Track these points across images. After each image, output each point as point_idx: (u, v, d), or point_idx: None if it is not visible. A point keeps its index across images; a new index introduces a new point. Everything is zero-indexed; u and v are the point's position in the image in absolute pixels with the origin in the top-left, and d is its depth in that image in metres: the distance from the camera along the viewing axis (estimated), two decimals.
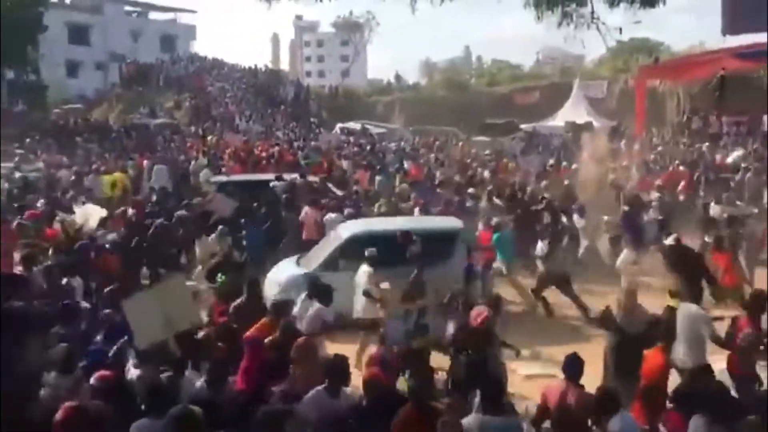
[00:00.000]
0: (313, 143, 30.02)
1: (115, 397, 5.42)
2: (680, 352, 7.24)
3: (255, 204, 14.37)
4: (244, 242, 12.81)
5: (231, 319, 7.65)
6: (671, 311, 7.68)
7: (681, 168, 19.75)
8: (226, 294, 8.53)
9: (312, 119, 41.96)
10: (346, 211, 13.82)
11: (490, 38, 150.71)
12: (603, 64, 45.13)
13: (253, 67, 52.77)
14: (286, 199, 14.88)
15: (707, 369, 6.34)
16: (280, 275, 11.00)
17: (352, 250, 10.52)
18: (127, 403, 5.50)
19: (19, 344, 5.62)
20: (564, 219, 13.58)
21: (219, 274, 9.34)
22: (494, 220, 12.80)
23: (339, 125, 37.59)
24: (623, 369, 7.16)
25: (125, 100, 41.14)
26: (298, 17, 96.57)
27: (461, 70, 70.28)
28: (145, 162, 21.35)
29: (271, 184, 15.74)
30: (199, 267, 11.34)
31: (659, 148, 25.60)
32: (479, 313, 7.31)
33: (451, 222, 12.21)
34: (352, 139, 31.81)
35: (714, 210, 14.22)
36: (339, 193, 16.52)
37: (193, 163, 21.92)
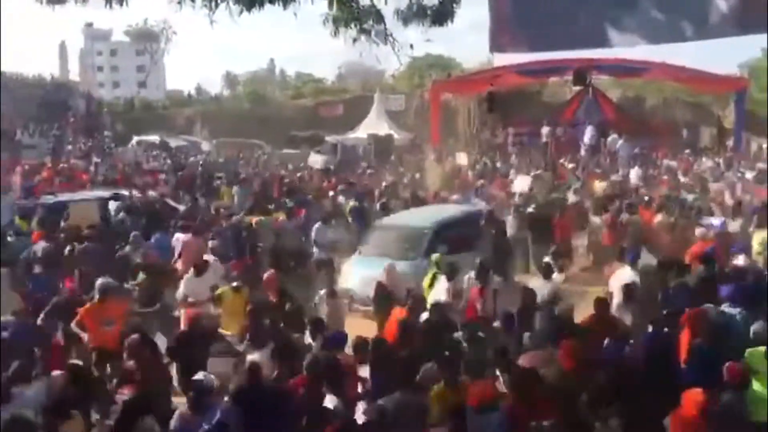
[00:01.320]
0: (108, 159, 28.27)
1: None
2: None
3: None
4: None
5: None
6: None
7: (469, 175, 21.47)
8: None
9: (106, 133, 39.51)
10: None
11: (293, 52, 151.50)
12: (401, 79, 47.14)
13: (37, 77, 48.72)
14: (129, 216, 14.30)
15: None
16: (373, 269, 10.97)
17: (441, 239, 12.04)
18: None
19: None
20: None
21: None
22: None
23: (136, 139, 35.78)
24: None
25: None
26: (89, 25, 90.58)
27: (265, 83, 69.83)
28: None
29: (111, 204, 15.20)
30: None
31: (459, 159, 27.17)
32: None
33: (472, 208, 14.94)
34: (154, 153, 30.42)
35: None
36: (179, 207, 16.06)
37: None
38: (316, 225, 13.73)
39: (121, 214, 14.74)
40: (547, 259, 10.80)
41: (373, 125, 35.19)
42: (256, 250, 13.19)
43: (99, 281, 9.10)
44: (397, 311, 8.62)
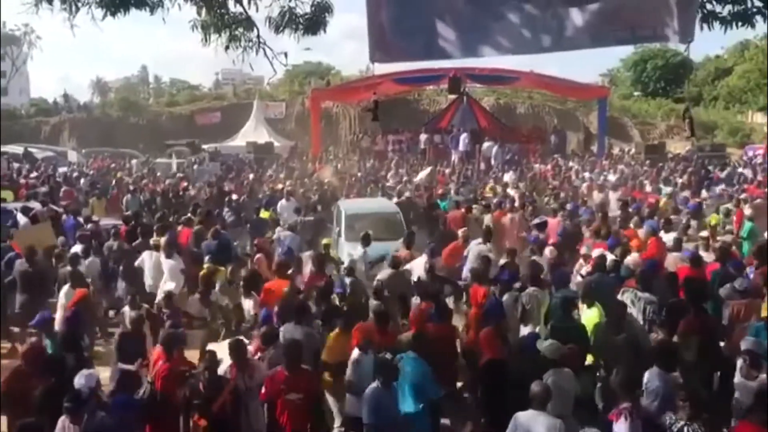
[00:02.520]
0: None
1: None
2: None
3: None
4: None
5: None
6: None
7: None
8: None
9: None
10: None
11: (167, 58, 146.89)
12: (280, 87, 46.81)
13: None
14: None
15: None
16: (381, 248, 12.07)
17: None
18: None
19: None
20: None
21: None
22: None
23: None
24: None
25: None
26: None
27: (138, 90, 67.28)
28: None
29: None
30: None
31: (337, 165, 27.28)
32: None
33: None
34: (17, 164, 28.44)
35: None
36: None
37: None
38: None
39: None
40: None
41: (253, 133, 34.69)
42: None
43: None
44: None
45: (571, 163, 25.86)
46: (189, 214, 14.58)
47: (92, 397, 6.22)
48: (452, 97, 31.16)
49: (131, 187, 19.87)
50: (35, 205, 15.68)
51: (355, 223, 13.95)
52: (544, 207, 16.24)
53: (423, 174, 22.28)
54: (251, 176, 23.41)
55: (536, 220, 13.84)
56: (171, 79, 75.10)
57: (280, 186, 19.61)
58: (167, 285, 10.70)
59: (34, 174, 24.83)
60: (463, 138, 28.30)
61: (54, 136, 41.40)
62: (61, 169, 27.50)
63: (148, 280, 11.38)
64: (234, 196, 18.32)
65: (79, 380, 6.27)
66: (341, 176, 22.88)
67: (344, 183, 21.12)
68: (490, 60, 24.43)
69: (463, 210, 15.10)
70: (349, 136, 36.00)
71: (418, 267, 10.75)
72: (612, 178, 21.55)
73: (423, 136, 29.84)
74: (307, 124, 33.98)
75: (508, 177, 22.27)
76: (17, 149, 32.49)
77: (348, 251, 12.81)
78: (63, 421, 6.05)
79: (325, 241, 12.64)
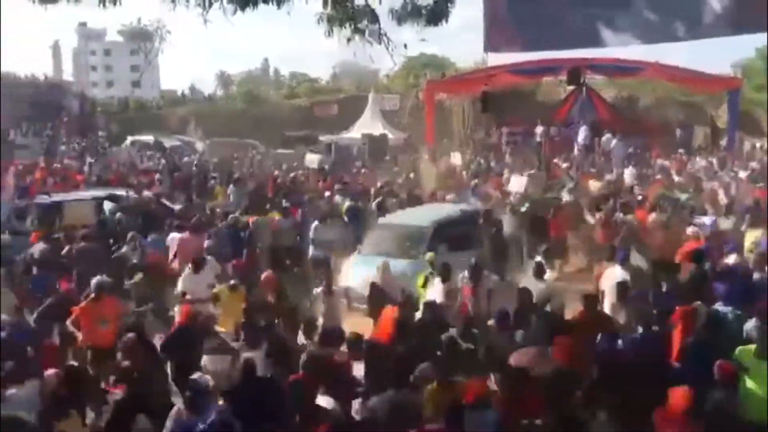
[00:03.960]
0: (103, 158, 28.23)
1: None
2: None
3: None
4: None
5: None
6: None
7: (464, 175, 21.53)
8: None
9: (100, 133, 39.41)
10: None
11: (288, 52, 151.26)
12: (395, 79, 47.12)
13: (30, 76, 48.51)
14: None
15: None
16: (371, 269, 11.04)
17: (441, 237, 12.16)
18: None
19: None
20: None
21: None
22: None
23: (130, 139, 35.71)
24: None
25: None
26: (82, 24, 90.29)
27: (260, 83, 69.77)
28: None
29: (105, 204, 15.26)
30: None
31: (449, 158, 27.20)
32: None
33: (470, 207, 14.72)
34: (148, 153, 30.37)
35: None
36: (174, 207, 16.03)
37: None
38: (314, 224, 13.79)
39: (118, 214, 14.71)
40: (538, 258, 10.78)
41: (368, 125, 35.17)
42: (254, 249, 13.12)
43: (94, 280, 9.11)
44: (389, 310, 8.60)
45: (697, 159, 24.57)
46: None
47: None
48: (570, 88, 30.31)
49: (235, 177, 20.60)
50: (120, 194, 16.48)
51: (372, 236, 13.07)
52: (699, 205, 14.86)
53: (520, 180, 19.45)
54: (363, 169, 23.70)
55: (704, 220, 12.51)
56: (291, 72, 77.28)
57: (379, 184, 19.37)
58: None
59: (163, 162, 26.42)
60: (583, 131, 27.51)
61: (181, 127, 43.69)
62: (187, 158, 29.10)
63: None
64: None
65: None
66: (451, 169, 22.78)
67: (448, 178, 20.75)
68: (611, 49, 23.64)
69: (570, 211, 14.29)
70: (463, 129, 35.76)
71: None
72: (743, 174, 20.27)
73: (539, 129, 29.21)
74: (421, 116, 34.03)
75: (628, 173, 21.45)
76: (148, 138, 34.69)
77: (345, 267, 12.05)
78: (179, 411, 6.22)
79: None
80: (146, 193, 17.09)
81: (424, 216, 13.58)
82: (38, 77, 49.33)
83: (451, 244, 12.01)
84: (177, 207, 16.15)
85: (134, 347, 7.32)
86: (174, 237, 12.58)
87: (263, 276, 10.00)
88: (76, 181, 21.25)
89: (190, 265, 10.41)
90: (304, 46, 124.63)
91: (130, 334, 7.51)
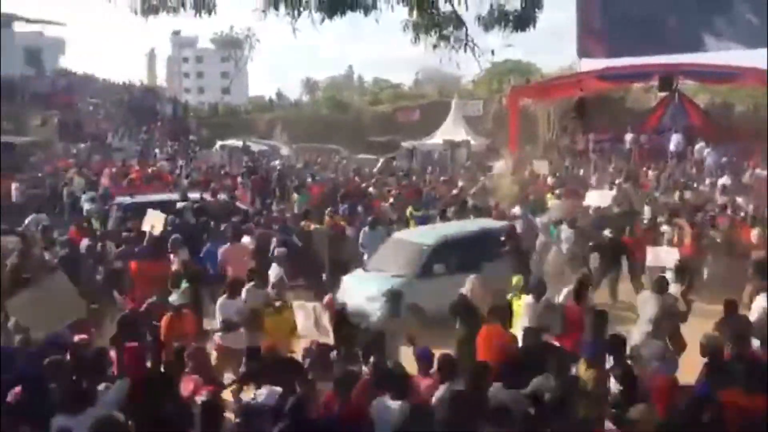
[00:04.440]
0: (193, 162, 29.28)
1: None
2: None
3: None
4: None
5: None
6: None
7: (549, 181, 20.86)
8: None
9: (191, 137, 40.90)
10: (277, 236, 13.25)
11: (371, 58, 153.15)
12: (479, 85, 46.79)
13: (127, 82, 50.92)
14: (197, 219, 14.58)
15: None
16: (370, 287, 10.99)
17: (442, 256, 11.52)
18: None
19: None
20: None
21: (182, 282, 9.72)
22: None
23: (219, 143, 36.86)
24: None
25: None
26: (176, 32, 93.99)
27: (343, 89, 70.77)
28: (13, 184, 20.04)
29: (178, 205, 15.29)
30: None
31: (535, 164, 26.72)
32: None
33: (499, 223, 13.61)
34: (236, 157, 31.30)
35: None
36: (246, 208, 16.46)
37: (65, 182, 21.00)
38: (363, 230, 13.90)
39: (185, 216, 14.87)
40: (667, 274, 9.80)
41: (450, 131, 35.06)
42: (308, 258, 12.99)
43: (174, 295, 8.98)
44: (491, 330, 7.89)
45: None
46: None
47: None
48: (662, 94, 29.28)
49: (295, 185, 20.70)
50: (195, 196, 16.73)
51: (379, 252, 12.56)
52: None
53: (602, 194, 17.83)
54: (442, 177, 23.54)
55: None
56: (374, 78, 78.04)
57: (455, 191, 18.96)
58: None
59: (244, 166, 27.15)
60: (675, 138, 26.53)
61: (268, 132, 44.78)
62: (274, 162, 29.80)
63: None
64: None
65: None
66: (533, 178, 22.28)
67: (525, 187, 20.04)
68: (705, 55, 22.59)
69: (646, 231, 13.32)
70: (548, 135, 35.13)
71: None
72: None
73: (629, 136, 28.36)
74: (504, 122, 33.66)
75: (722, 182, 20.51)
76: (236, 143, 35.74)
77: (352, 285, 11.45)
78: None
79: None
80: (221, 196, 17.30)
81: (434, 233, 12.80)
82: (134, 83, 51.72)
83: (455, 263, 11.34)
84: (250, 210, 16.44)
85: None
86: (221, 248, 12.19)
87: (325, 300, 9.08)
88: (167, 182, 22.07)
89: (226, 289, 9.38)
90: (388, 52, 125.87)
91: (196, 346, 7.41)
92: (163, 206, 15.06)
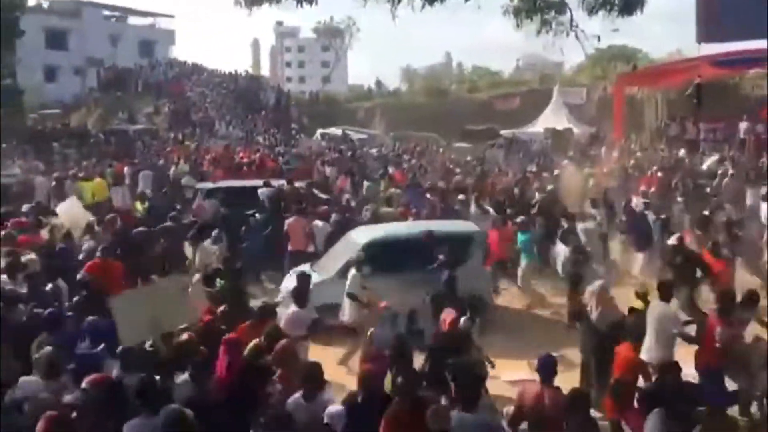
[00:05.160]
0: (294, 149, 29.98)
1: (108, 401, 5.51)
2: (648, 348, 7.48)
3: (253, 211, 14.48)
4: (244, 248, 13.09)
5: (217, 323, 7.65)
6: (637, 312, 8.03)
7: (659, 174, 19.89)
8: (223, 298, 8.54)
9: (292, 125, 41.89)
10: (333, 218, 13.67)
11: (470, 45, 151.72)
12: (582, 71, 45.48)
13: (233, 72, 52.58)
14: (272, 205, 14.80)
15: (674, 366, 6.44)
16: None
17: (370, 256, 10.45)
18: (120, 406, 5.56)
19: None
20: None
21: (218, 279, 9.30)
22: (520, 219, 13.03)
23: (320, 131, 37.58)
24: (598, 366, 7.54)
25: (104, 106, 40.74)
26: (279, 23, 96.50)
27: (442, 77, 70.45)
28: (125, 168, 21.19)
29: (259, 191, 15.51)
30: (197, 273, 10.81)
31: (638, 154, 25.79)
32: (446, 317, 7.61)
33: (467, 225, 12.40)
34: (333, 144, 31.82)
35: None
36: (324, 197, 16.49)
37: (173, 169, 21.96)
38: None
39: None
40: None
41: (552, 119, 34.28)
42: None
43: (260, 303, 8.54)
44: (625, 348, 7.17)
45: None
46: None
47: None
48: None
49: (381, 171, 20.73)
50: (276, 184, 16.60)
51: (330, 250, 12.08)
52: None
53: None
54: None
55: None
56: (473, 66, 77.29)
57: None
58: None
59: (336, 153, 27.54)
60: None
61: (367, 120, 45.25)
62: (371, 150, 30.10)
63: None
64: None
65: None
66: (638, 165, 21.37)
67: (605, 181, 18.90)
68: None
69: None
70: (655, 124, 33.69)
71: None
72: None
73: (743, 125, 26.75)
74: (608, 110, 32.57)
75: None
76: (336, 131, 36.33)
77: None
78: None
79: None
80: (298, 183, 17.18)
81: (368, 234, 11.70)
82: (239, 73, 53.36)
83: (381, 265, 10.30)
84: (326, 196, 16.57)
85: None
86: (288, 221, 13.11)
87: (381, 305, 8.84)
88: (269, 168, 22.68)
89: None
90: (487, 39, 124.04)
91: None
92: (244, 192, 15.76)
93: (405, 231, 12.01)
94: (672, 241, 11.02)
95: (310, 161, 24.66)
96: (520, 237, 12.56)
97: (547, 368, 6.07)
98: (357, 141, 33.81)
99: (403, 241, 11.24)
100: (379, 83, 61.77)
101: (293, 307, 8.24)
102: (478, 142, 31.60)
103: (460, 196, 16.12)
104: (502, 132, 33.53)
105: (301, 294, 8.50)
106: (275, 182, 16.44)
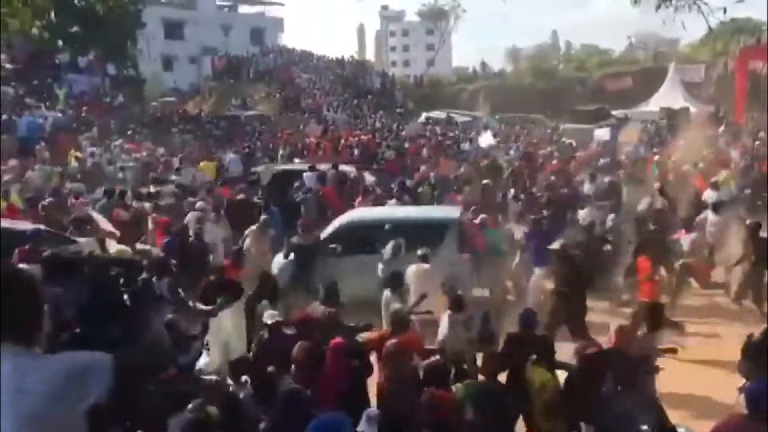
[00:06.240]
0: (403, 132, 30.09)
1: None
2: None
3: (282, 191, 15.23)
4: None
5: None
6: None
7: None
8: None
9: (398, 109, 42.07)
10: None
11: (578, 23, 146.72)
12: (700, 47, 43.11)
13: (339, 58, 53.32)
14: (311, 188, 15.23)
15: None
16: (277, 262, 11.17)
17: (343, 236, 11.15)
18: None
19: None
20: None
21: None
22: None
23: (424, 114, 37.59)
24: None
25: (217, 93, 42.38)
26: (384, 7, 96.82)
27: (549, 57, 68.63)
28: (230, 154, 22.09)
29: (304, 174, 15.96)
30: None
31: (761, 134, 24.24)
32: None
33: (447, 212, 12.32)
34: (438, 128, 31.75)
35: None
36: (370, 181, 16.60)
37: (280, 153, 22.71)
38: None
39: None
40: None
41: (667, 98, 32.73)
42: None
43: (400, 312, 7.68)
44: None
45: None
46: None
47: None
48: None
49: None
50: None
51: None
52: None
53: None
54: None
55: None
56: (581, 45, 74.74)
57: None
58: None
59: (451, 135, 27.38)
60: None
61: (471, 102, 44.84)
62: (477, 134, 29.80)
63: None
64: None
65: None
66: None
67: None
68: None
69: None
70: None
71: None
72: None
73: None
74: (729, 87, 30.78)
75: None
76: (441, 114, 36.20)
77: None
78: None
79: None
80: (344, 167, 17.19)
81: (351, 215, 12.43)
82: (346, 58, 54.07)
83: (348, 246, 10.93)
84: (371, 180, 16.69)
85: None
86: None
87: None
88: (371, 151, 22.91)
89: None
90: (596, 16, 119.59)
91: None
92: (301, 175, 16.18)
93: (380, 215, 12.21)
94: None
95: (416, 144, 24.70)
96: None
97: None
98: (461, 124, 33.58)
99: (369, 225, 11.49)
100: (483, 65, 61.02)
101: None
102: (589, 122, 30.67)
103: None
104: (614, 112, 32.37)
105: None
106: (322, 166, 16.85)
